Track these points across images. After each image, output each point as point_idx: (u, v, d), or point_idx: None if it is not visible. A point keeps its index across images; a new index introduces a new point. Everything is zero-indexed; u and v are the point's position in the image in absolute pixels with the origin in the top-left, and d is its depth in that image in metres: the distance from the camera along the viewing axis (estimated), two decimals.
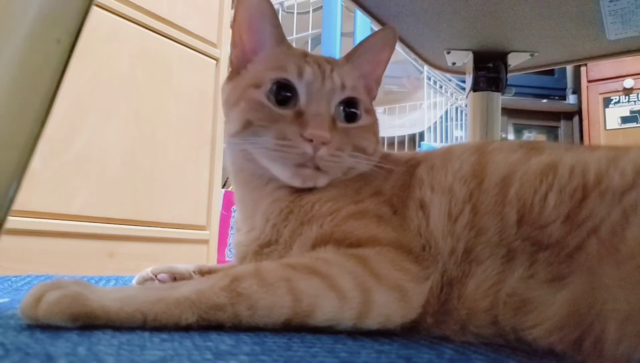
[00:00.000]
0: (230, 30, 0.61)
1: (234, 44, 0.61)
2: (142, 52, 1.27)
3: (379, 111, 2.41)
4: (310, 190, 0.55)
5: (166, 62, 1.34)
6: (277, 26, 0.59)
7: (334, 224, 0.50)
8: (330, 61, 0.59)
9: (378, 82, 0.65)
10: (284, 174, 0.54)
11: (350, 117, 0.57)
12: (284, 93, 0.55)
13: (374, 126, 0.60)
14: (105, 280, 0.85)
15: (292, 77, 0.55)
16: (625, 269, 0.37)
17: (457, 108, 2.52)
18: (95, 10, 0.38)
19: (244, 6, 0.58)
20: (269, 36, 0.59)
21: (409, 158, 0.59)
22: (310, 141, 0.51)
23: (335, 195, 0.54)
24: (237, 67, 0.61)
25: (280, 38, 0.60)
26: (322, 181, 0.54)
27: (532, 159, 0.48)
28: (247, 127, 0.54)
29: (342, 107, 0.57)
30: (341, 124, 0.56)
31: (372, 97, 0.65)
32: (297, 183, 0.54)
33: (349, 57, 0.62)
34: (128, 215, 1.22)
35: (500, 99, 1.14)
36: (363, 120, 0.58)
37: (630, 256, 0.37)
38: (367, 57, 0.62)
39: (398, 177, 0.56)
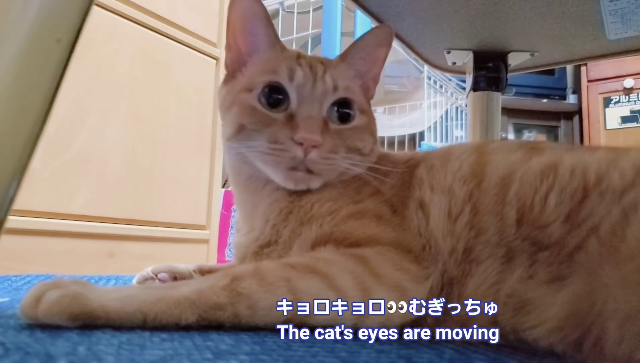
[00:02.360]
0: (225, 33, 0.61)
1: (228, 48, 0.61)
2: (142, 52, 1.27)
3: (379, 111, 2.41)
4: (309, 191, 0.55)
5: (166, 61, 1.34)
6: (270, 28, 0.59)
7: (333, 224, 0.50)
8: (324, 62, 0.59)
9: (376, 80, 0.64)
10: (277, 177, 0.54)
11: (344, 118, 0.56)
12: (275, 96, 0.54)
13: (370, 126, 0.59)
14: (105, 280, 0.85)
15: (284, 80, 0.54)
16: (625, 269, 0.37)
17: (457, 108, 2.52)
18: (95, 10, 0.38)
19: (237, 9, 0.58)
20: (262, 38, 0.59)
21: (408, 158, 0.59)
22: (301, 144, 0.51)
23: (335, 195, 0.54)
24: (232, 71, 0.61)
25: (273, 40, 0.59)
26: (315, 183, 0.54)
27: (533, 159, 0.48)
28: (241, 131, 0.55)
29: (335, 109, 0.56)
30: (334, 125, 0.55)
31: (370, 96, 0.64)
32: (290, 185, 0.54)
33: (344, 56, 0.61)
34: (128, 215, 1.22)
35: (500, 99, 1.13)
36: (357, 120, 0.57)
37: (630, 256, 0.37)
38: (363, 56, 0.61)
39: (397, 177, 0.56)
